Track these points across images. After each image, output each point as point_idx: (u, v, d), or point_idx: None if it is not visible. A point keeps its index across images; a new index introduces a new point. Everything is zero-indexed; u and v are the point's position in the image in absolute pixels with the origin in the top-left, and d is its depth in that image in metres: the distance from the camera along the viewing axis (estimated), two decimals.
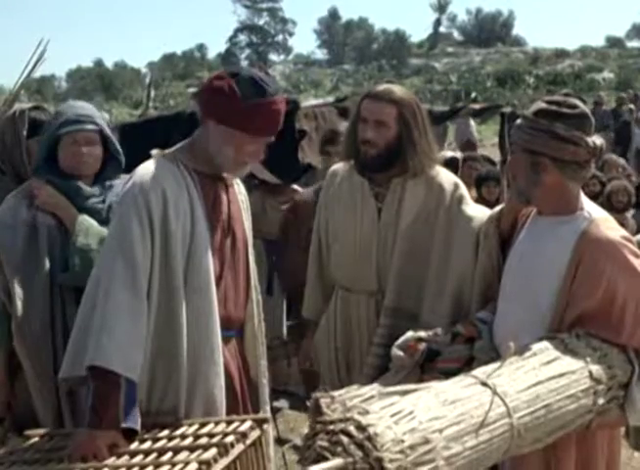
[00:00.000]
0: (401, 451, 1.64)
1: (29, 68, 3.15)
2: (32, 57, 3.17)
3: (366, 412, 1.70)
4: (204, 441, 2.17)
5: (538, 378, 2.05)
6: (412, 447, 1.66)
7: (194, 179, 2.39)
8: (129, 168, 2.53)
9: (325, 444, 1.62)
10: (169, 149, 2.46)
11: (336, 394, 1.83)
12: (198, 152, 2.42)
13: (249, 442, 2.20)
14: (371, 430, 1.63)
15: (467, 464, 1.78)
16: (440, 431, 1.74)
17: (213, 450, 2.09)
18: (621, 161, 8.65)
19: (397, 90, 2.89)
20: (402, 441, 1.65)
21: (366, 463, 1.58)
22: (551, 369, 2.09)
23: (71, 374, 2.28)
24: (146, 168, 2.36)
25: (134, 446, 2.21)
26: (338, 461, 1.57)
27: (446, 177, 2.94)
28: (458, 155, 7.41)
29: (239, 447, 2.15)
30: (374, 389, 1.88)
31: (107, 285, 2.22)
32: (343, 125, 3.86)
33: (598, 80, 32.55)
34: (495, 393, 1.92)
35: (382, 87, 2.94)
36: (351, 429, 1.63)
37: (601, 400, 2.14)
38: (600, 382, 2.14)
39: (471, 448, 1.79)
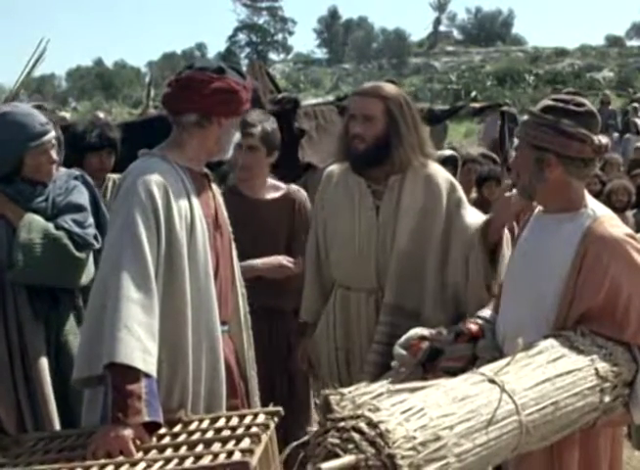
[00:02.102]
0: (413, 448, 1.64)
1: (29, 66, 3.15)
2: (32, 56, 3.17)
3: (377, 409, 1.70)
4: (227, 433, 2.15)
5: (546, 375, 2.05)
6: (423, 444, 1.66)
7: (187, 176, 2.42)
8: None
9: (336, 441, 1.61)
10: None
11: (345, 391, 1.84)
12: (188, 150, 2.45)
13: (269, 432, 2.18)
14: (382, 427, 1.63)
15: (477, 461, 1.79)
16: (451, 428, 1.74)
17: (247, 440, 2.07)
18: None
19: (385, 86, 2.92)
20: (414, 437, 1.65)
21: (378, 460, 1.58)
22: (558, 367, 2.09)
23: (90, 374, 2.24)
24: (144, 166, 2.37)
25: (154, 441, 2.16)
26: (350, 458, 1.56)
27: (443, 176, 2.95)
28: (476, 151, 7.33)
29: (265, 437, 2.13)
30: (383, 386, 1.89)
31: (117, 282, 2.20)
32: (254, 114, 3.24)
33: (598, 79, 32.46)
34: (504, 390, 1.92)
35: (369, 84, 2.97)
36: (363, 426, 1.62)
37: (607, 398, 2.14)
38: (606, 380, 2.14)
39: (481, 445, 1.79)
